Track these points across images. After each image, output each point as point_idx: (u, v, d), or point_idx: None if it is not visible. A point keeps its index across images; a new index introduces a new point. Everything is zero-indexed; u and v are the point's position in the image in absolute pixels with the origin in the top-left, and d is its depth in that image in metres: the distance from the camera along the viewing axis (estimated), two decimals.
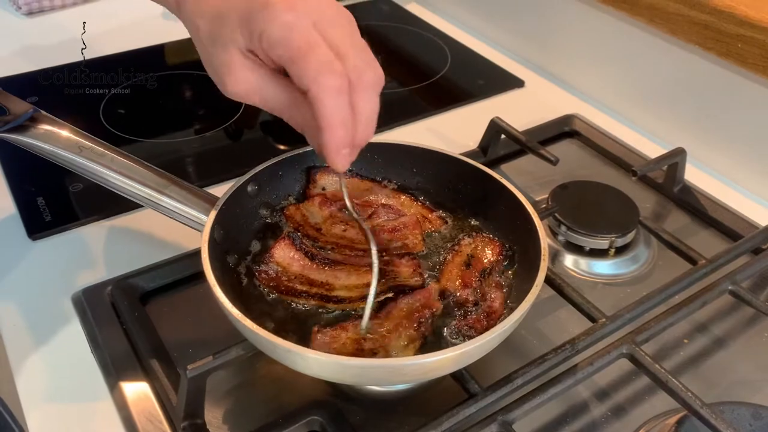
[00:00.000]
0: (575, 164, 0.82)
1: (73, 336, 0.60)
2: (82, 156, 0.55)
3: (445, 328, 0.53)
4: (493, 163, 0.81)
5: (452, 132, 0.88)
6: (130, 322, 0.59)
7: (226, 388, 0.55)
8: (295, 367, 0.47)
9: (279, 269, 0.56)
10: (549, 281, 0.60)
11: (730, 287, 0.61)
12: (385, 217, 0.61)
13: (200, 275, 0.50)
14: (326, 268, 0.56)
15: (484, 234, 0.61)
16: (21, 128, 0.55)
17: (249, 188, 0.59)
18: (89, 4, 1.16)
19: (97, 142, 0.56)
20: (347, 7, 0.49)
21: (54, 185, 0.76)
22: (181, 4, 0.51)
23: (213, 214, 0.54)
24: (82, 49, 0.94)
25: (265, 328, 0.46)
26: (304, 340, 0.50)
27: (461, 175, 0.63)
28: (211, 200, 0.56)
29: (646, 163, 0.75)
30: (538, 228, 0.55)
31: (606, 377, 0.57)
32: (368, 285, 0.51)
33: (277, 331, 0.49)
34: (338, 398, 0.55)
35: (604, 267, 0.68)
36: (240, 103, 0.91)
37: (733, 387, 0.57)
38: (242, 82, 0.47)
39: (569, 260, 0.69)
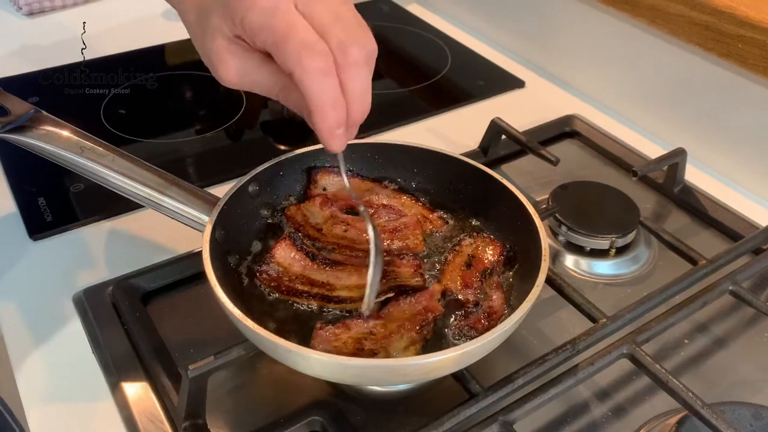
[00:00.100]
0: (576, 164, 0.82)
1: (74, 336, 0.60)
2: (83, 156, 0.55)
3: (446, 329, 0.53)
4: (494, 164, 0.81)
5: (453, 132, 0.88)
6: (131, 322, 0.59)
7: (228, 389, 0.55)
8: (297, 367, 0.47)
9: (280, 269, 0.56)
10: (550, 281, 0.60)
11: (730, 287, 0.61)
12: (386, 218, 0.61)
13: (201, 275, 0.50)
14: (327, 268, 0.56)
15: (484, 234, 0.61)
16: (22, 129, 0.55)
17: (250, 188, 0.59)
18: (90, 5, 1.16)
19: (98, 143, 0.56)
20: None
21: (55, 185, 0.76)
22: None
23: (214, 214, 0.54)
24: (82, 49, 0.95)
25: (266, 328, 0.46)
26: (305, 340, 0.50)
27: (462, 176, 0.63)
28: (212, 201, 0.56)
29: (647, 163, 0.75)
30: (538, 228, 0.55)
31: (606, 377, 0.57)
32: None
33: (278, 332, 0.49)
34: (339, 398, 0.55)
35: (604, 267, 0.68)
36: (241, 104, 0.91)
37: (734, 387, 0.57)
38: (232, 69, 0.47)
39: (570, 260, 0.69)
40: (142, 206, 0.57)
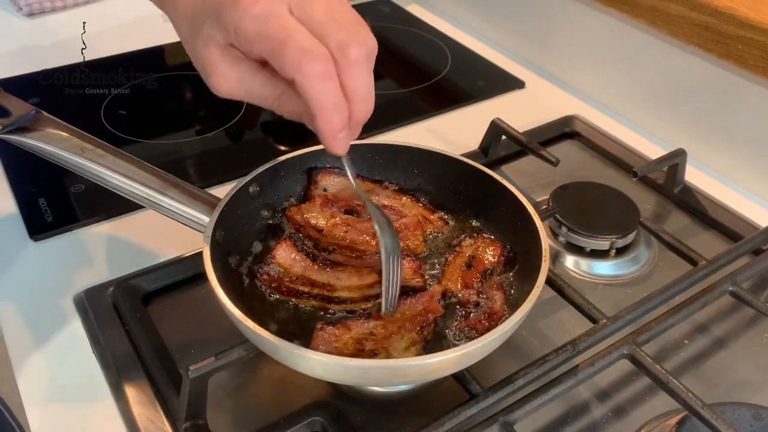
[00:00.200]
0: (576, 165, 0.82)
1: (75, 336, 0.60)
2: (83, 157, 0.55)
3: (447, 329, 0.53)
4: (494, 164, 0.81)
5: (453, 133, 0.88)
6: (132, 323, 0.59)
7: (228, 389, 0.55)
8: (297, 368, 0.47)
9: (280, 270, 0.56)
10: (550, 282, 0.60)
11: (730, 288, 0.62)
12: None
13: (202, 276, 0.50)
14: (328, 269, 0.56)
15: (485, 235, 0.61)
16: (23, 130, 0.55)
17: (250, 189, 0.59)
18: (90, 5, 1.16)
19: (99, 144, 0.56)
20: None
21: (55, 186, 0.76)
22: (165, 4, 0.51)
23: (215, 215, 0.54)
24: (82, 49, 0.95)
25: (266, 329, 0.46)
26: (306, 341, 0.50)
27: (462, 176, 0.63)
28: (213, 201, 0.56)
29: (647, 164, 0.75)
30: (539, 229, 0.55)
31: (607, 378, 0.57)
32: (370, 286, 0.52)
33: (278, 332, 0.49)
34: (339, 399, 0.55)
35: (604, 268, 0.68)
36: (241, 104, 0.91)
37: (734, 388, 0.57)
38: (227, 79, 0.46)
39: (570, 261, 0.69)
40: (143, 207, 0.57)
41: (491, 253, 0.58)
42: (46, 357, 0.58)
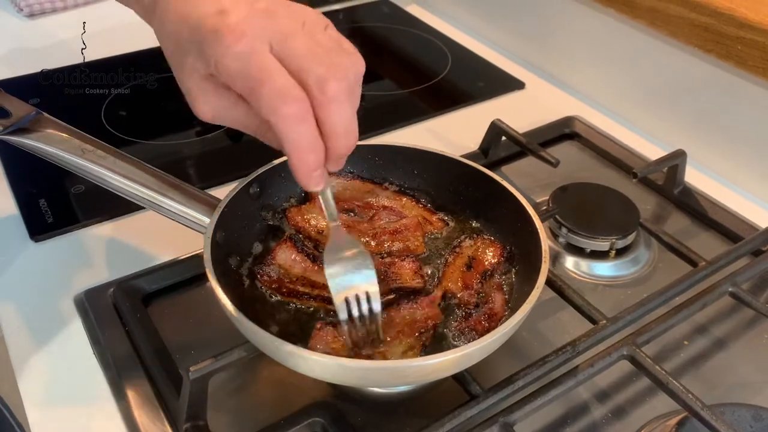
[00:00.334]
0: (576, 166, 0.82)
1: (75, 337, 0.60)
2: (84, 158, 0.55)
3: (447, 330, 0.53)
4: (494, 165, 0.81)
5: (453, 134, 0.88)
6: (132, 324, 0.59)
7: (228, 390, 0.55)
8: (297, 368, 0.47)
9: (281, 271, 0.56)
10: (550, 283, 0.60)
11: (730, 289, 0.62)
12: (387, 219, 0.61)
13: (202, 277, 0.50)
14: None
15: (485, 236, 0.61)
16: (23, 130, 0.55)
17: (251, 190, 0.59)
18: (90, 6, 1.16)
19: (99, 145, 0.56)
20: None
21: (56, 187, 0.76)
22: (152, 19, 0.51)
23: (215, 216, 0.54)
24: (82, 49, 0.95)
25: (267, 330, 0.46)
26: (306, 342, 0.51)
27: (462, 177, 0.63)
28: (213, 202, 0.56)
29: (647, 165, 0.75)
30: (538, 230, 0.55)
31: (606, 379, 0.57)
32: None
33: (279, 333, 0.49)
34: (340, 400, 0.55)
35: (604, 269, 0.68)
36: None
37: (734, 388, 0.58)
38: (209, 107, 0.47)
39: (570, 262, 0.69)
40: (143, 208, 0.57)
41: (491, 254, 0.59)
42: (47, 357, 0.58)
